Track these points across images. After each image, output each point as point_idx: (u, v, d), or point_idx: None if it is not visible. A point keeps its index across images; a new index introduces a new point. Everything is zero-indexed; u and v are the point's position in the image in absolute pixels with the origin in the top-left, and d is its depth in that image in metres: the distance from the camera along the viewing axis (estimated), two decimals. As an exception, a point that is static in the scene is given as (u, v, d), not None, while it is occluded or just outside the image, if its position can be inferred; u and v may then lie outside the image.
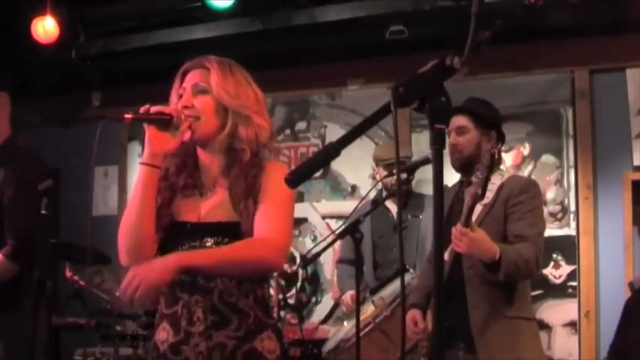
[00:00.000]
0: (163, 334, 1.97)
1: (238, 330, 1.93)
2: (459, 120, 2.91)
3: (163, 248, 1.98)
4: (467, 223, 2.59)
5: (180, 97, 2.01)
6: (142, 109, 1.90)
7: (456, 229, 2.58)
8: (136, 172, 1.96)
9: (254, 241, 1.91)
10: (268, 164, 2.00)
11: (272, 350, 1.97)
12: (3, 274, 3.06)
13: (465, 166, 2.89)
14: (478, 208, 2.72)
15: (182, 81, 2.04)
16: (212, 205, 1.99)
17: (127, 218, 1.95)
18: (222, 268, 1.89)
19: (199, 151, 2.05)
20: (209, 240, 1.96)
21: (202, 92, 1.99)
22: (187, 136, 1.96)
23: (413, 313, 2.98)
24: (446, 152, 1.36)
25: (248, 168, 1.97)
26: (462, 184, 2.94)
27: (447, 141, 2.87)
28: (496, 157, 2.60)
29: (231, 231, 1.94)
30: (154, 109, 1.91)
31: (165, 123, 1.90)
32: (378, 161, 4.39)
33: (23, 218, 3.08)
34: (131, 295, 1.80)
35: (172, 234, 1.99)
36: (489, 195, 2.73)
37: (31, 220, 3.11)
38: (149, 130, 1.92)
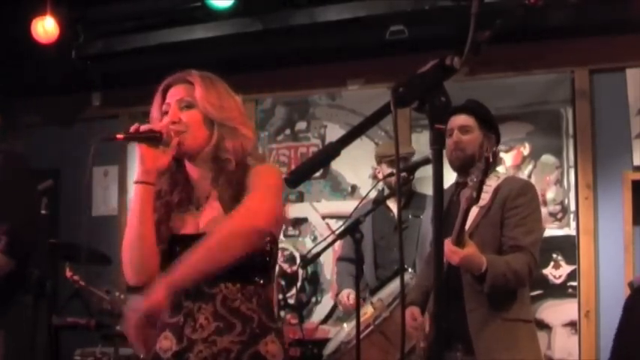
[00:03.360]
0: (166, 343, 1.97)
1: (242, 334, 1.93)
2: (463, 119, 2.88)
3: (166, 262, 1.98)
4: (458, 239, 2.58)
5: (164, 113, 2.02)
6: (132, 128, 1.92)
7: (447, 246, 2.58)
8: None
9: (232, 216, 1.89)
10: (253, 168, 2.01)
11: (275, 354, 1.97)
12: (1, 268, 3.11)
13: (464, 166, 2.86)
14: (474, 211, 2.71)
15: (164, 97, 2.05)
16: (209, 217, 2.01)
17: (127, 237, 1.96)
18: (213, 261, 1.84)
19: (188, 166, 2.06)
20: None
21: (188, 107, 2.00)
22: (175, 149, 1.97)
23: (412, 310, 2.98)
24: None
25: (233, 175, 1.99)
26: (457, 186, 2.93)
27: (447, 140, 2.86)
28: (491, 161, 2.59)
29: None
30: (143, 127, 1.93)
31: (156, 140, 1.93)
32: (380, 158, 4.37)
33: (15, 214, 3.10)
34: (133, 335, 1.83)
35: (174, 247, 2.01)
36: (485, 197, 2.71)
37: (23, 216, 3.13)
38: (140, 148, 1.94)
